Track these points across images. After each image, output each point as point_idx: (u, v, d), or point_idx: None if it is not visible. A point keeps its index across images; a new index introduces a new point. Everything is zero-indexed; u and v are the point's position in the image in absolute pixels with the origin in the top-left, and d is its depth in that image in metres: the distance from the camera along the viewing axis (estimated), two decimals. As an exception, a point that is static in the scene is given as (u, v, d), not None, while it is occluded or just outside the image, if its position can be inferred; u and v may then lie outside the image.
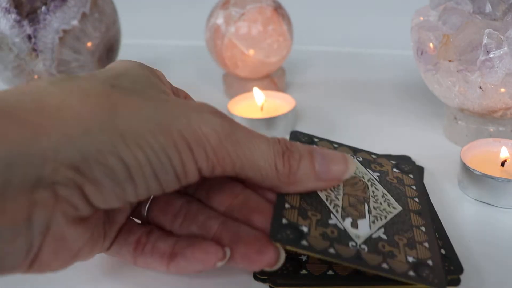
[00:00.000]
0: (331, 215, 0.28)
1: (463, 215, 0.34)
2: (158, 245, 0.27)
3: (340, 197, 0.30)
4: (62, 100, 0.22)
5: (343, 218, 0.28)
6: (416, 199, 0.33)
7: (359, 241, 0.27)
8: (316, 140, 0.37)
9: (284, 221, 0.27)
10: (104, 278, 0.30)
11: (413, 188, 0.34)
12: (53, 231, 0.21)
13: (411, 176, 0.35)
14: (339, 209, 0.29)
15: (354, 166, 0.30)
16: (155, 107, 0.23)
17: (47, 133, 0.20)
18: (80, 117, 0.21)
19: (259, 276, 0.28)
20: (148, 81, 0.26)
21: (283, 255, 0.26)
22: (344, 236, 0.27)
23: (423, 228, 0.29)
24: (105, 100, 0.22)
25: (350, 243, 0.26)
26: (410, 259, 0.26)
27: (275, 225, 0.26)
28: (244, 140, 0.25)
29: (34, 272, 0.22)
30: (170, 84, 0.29)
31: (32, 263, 0.22)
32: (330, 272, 0.26)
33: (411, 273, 0.25)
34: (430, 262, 0.27)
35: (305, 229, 0.26)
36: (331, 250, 0.25)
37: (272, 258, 0.25)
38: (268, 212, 0.27)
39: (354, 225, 0.28)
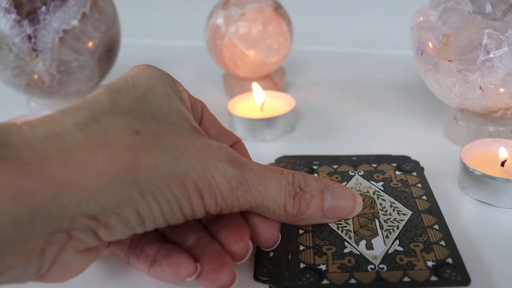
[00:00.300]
0: (345, 243, 0.29)
1: (463, 215, 0.34)
2: (145, 249, 0.28)
3: (350, 221, 0.31)
4: (86, 152, 0.22)
5: (357, 242, 0.29)
6: (424, 197, 0.33)
7: (377, 262, 0.27)
8: (315, 167, 0.37)
9: (302, 265, 0.27)
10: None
11: (418, 187, 0.34)
12: (61, 259, 0.23)
13: (414, 174, 0.36)
14: (352, 234, 0.30)
15: (361, 206, 0.31)
16: (174, 158, 0.24)
17: (70, 189, 0.21)
18: (103, 173, 0.22)
19: (259, 277, 0.28)
20: (170, 110, 0.27)
21: (237, 277, 0.26)
22: (361, 262, 0.27)
23: (436, 227, 0.30)
24: (127, 154, 0.23)
25: (369, 267, 0.27)
26: (430, 263, 0.27)
27: (294, 273, 0.27)
28: (255, 183, 0.26)
29: (39, 281, 0.24)
30: (188, 95, 0.30)
31: (38, 279, 0.23)
32: (353, 281, 0.26)
33: (433, 277, 0.26)
34: (450, 260, 0.27)
35: (323, 267, 0.27)
36: (352, 281, 0.26)
37: (226, 279, 0.26)
38: (235, 228, 0.28)
39: (369, 246, 0.29)
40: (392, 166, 0.37)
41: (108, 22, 0.50)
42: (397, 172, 0.36)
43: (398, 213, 0.31)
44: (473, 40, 0.36)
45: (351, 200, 0.30)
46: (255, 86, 0.49)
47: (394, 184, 0.34)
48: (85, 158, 0.22)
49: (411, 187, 0.34)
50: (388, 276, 0.26)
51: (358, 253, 0.28)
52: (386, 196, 0.33)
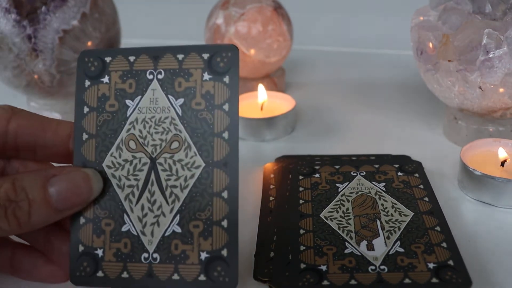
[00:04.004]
0: (346, 243, 0.29)
1: (463, 215, 0.34)
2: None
3: (351, 221, 0.31)
4: None
5: (358, 243, 0.29)
6: (426, 198, 0.33)
7: (377, 263, 0.27)
8: (317, 167, 0.38)
9: (302, 266, 0.27)
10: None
11: (420, 188, 0.34)
12: None
13: (417, 175, 0.36)
14: (353, 235, 0.30)
15: (100, 183, 0.27)
16: None
17: None
18: None
19: (259, 277, 0.28)
20: None
21: None
22: (362, 263, 0.27)
23: (438, 228, 0.30)
24: None
25: (370, 268, 0.27)
26: (431, 265, 0.27)
27: (294, 274, 0.27)
28: None
29: None
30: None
31: None
32: (353, 282, 0.26)
33: (434, 279, 0.26)
34: (451, 262, 0.27)
35: (323, 267, 0.27)
36: (353, 282, 0.26)
37: None
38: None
39: (370, 247, 0.29)
40: (394, 167, 0.37)
41: (108, 22, 0.50)
42: (399, 173, 0.36)
43: (400, 214, 0.31)
44: (472, 40, 0.36)
45: (83, 182, 0.26)
46: (261, 88, 0.49)
47: (396, 185, 0.35)
48: None
49: (413, 188, 0.34)
50: (388, 277, 0.26)
51: (359, 253, 0.28)
52: (388, 197, 0.33)
